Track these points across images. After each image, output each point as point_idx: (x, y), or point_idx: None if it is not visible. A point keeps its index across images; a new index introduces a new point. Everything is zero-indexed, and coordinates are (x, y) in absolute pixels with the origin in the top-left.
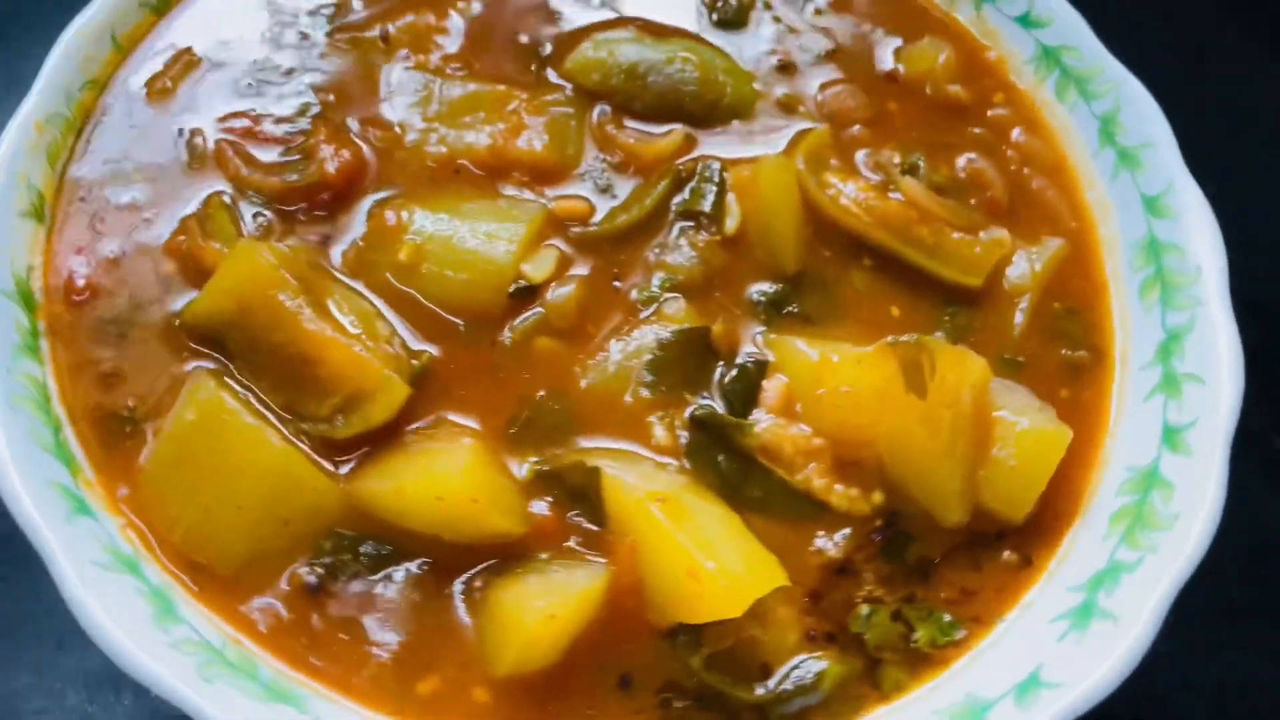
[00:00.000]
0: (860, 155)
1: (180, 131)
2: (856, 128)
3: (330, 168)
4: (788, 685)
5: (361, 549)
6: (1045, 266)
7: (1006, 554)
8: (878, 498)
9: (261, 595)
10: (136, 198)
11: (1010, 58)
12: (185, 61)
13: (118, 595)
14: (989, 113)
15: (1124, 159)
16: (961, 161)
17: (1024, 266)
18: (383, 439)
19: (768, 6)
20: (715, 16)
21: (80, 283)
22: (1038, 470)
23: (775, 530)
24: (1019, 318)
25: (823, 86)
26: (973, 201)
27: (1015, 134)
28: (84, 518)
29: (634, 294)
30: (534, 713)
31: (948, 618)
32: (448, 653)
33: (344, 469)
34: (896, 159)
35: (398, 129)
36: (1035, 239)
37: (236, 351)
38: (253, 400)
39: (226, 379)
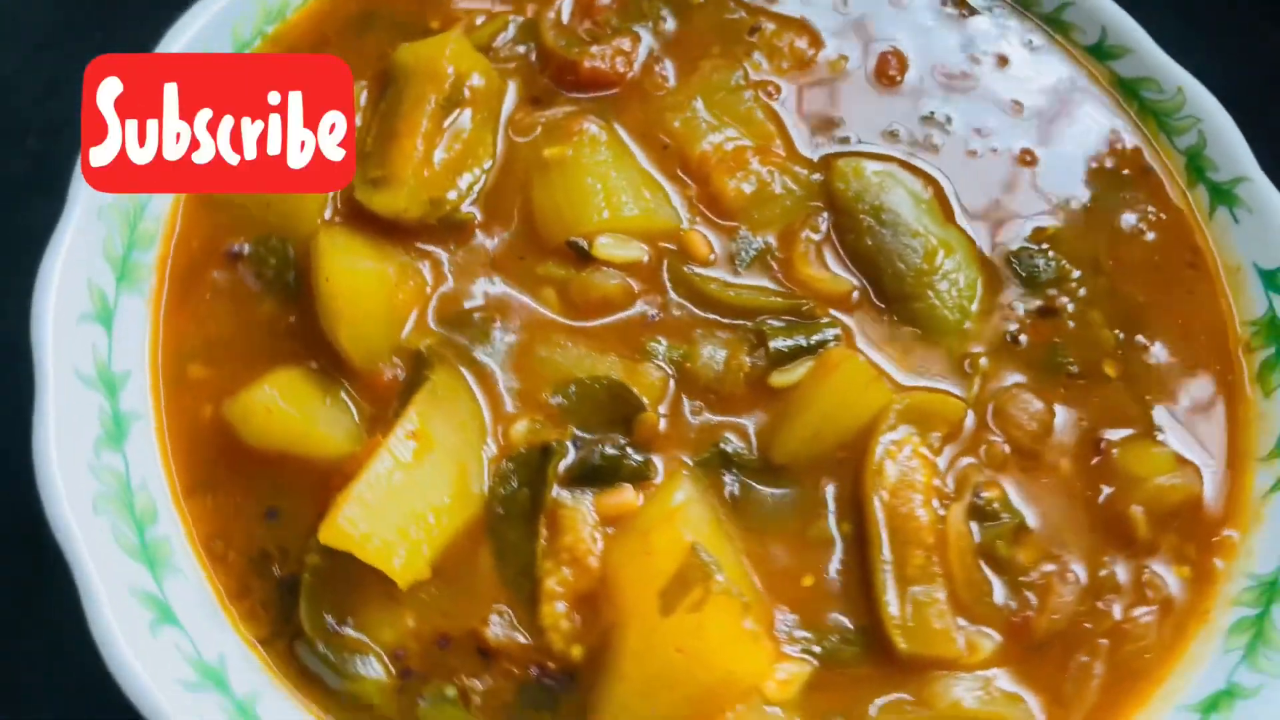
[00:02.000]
0: (959, 460)
1: None
2: (999, 438)
3: (587, 63)
4: None
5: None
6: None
7: None
8: (576, 651)
9: None
10: None
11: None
12: None
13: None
14: (1149, 564)
15: None
16: (1046, 568)
17: (962, 694)
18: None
19: (1063, 284)
20: (1020, 267)
21: None
22: None
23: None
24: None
25: (1016, 386)
26: (1008, 605)
27: (1136, 613)
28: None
29: (650, 330)
30: None
31: None
32: None
33: None
34: (986, 495)
35: (668, 84)
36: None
37: (382, 91)
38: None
39: (358, 98)
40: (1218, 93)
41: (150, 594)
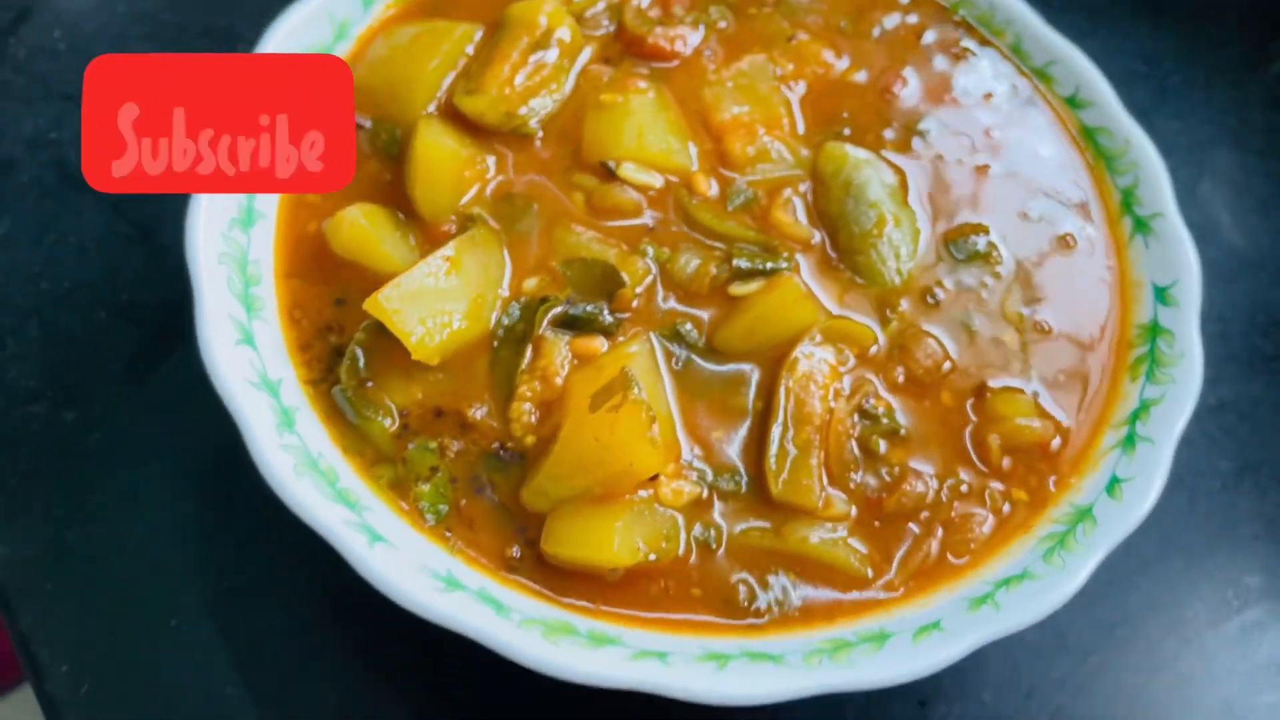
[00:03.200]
0: (862, 374)
1: None
2: (900, 369)
3: (650, 39)
4: None
5: (388, 138)
6: (814, 552)
7: (514, 548)
8: (530, 439)
9: None
10: None
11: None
12: None
13: None
14: (992, 483)
15: None
16: (912, 464)
17: (810, 535)
18: (465, 126)
19: (988, 265)
20: (956, 251)
21: None
22: (576, 548)
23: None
24: (758, 530)
25: (924, 333)
26: (868, 483)
27: (972, 514)
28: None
29: (648, 236)
30: None
31: (443, 508)
32: None
33: None
34: (874, 403)
35: (712, 66)
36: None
37: (492, 33)
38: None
39: (473, 34)
40: None
41: (240, 322)
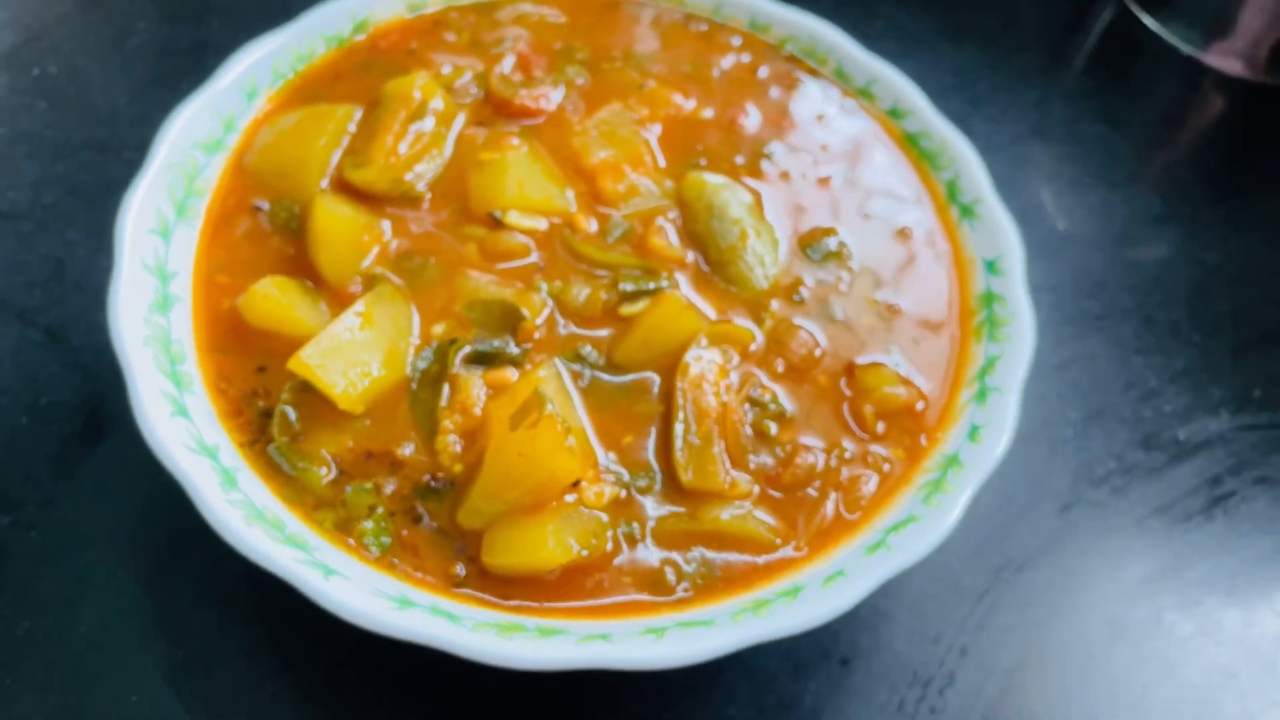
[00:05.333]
0: (746, 369)
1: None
2: (779, 361)
3: (517, 100)
4: None
5: (287, 215)
6: (727, 528)
7: (458, 566)
8: (458, 468)
9: None
10: None
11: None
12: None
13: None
14: (871, 446)
15: None
16: (799, 440)
17: (721, 514)
18: (357, 197)
19: (842, 261)
20: (812, 253)
21: None
22: (516, 555)
23: (413, 414)
24: (674, 516)
25: (795, 326)
26: (765, 463)
27: (859, 475)
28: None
29: (539, 273)
30: None
31: (386, 539)
32: None
33: None
34: (760, 391)
35: (575, 118)
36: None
37: (371, 110)
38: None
39: (353, 113)
40: None
41: (172, 396)
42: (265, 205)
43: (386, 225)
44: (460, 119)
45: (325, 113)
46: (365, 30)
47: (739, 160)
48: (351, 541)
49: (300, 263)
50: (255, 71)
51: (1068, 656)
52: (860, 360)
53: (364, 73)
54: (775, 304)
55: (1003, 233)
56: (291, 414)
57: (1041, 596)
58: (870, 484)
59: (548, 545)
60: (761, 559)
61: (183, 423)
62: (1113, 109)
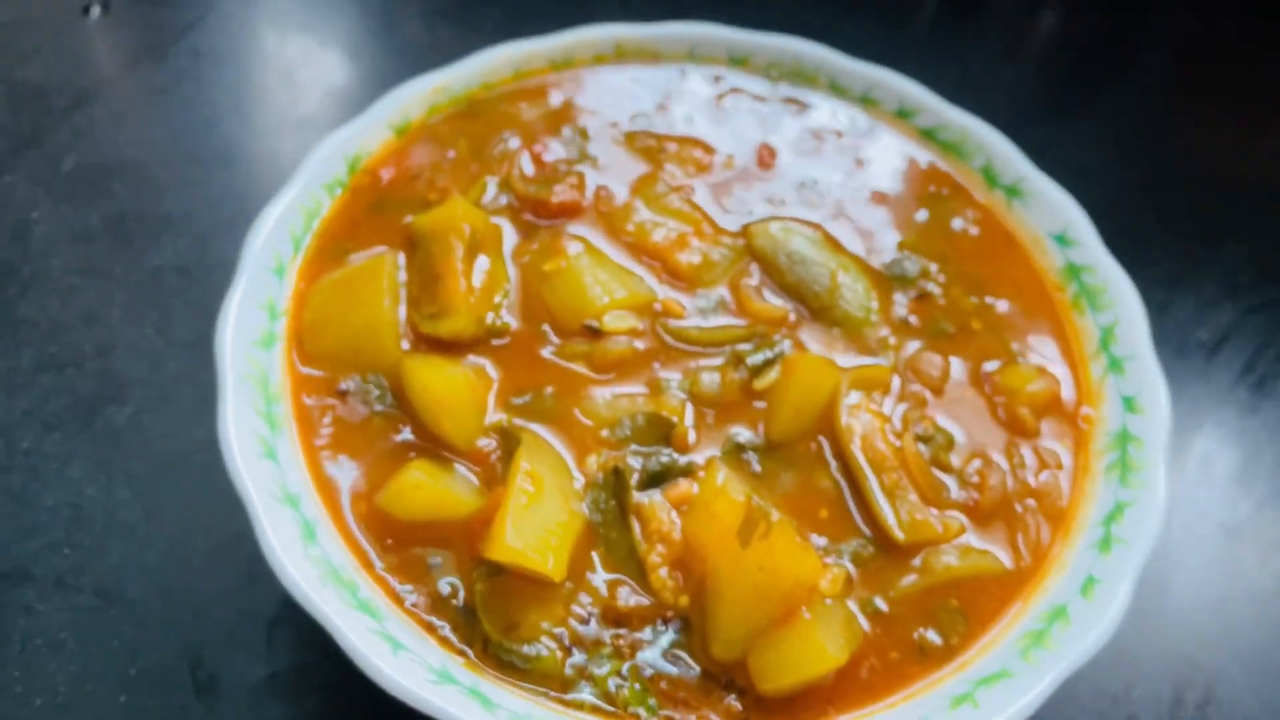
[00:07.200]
0: (898, 407)
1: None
2: (918, 387)
3: (554, 199)
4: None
5: (379, 390)
6: (962, 572)
7: (730, 699)
8: (684, 600)
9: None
10: None
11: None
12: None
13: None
14: (1040, 444)
15: None
16: (977, 464)
17: (950, 559)
18: (442, 348)
19: (926, 276)
20: (895, 270)
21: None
22: (796, 672)
23: (609, 559)
24: (909, 579)
25: (919, 350)
26: (961, 495)
27: (1043, 477)
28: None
29: (660, 371)
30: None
31: (652, 701)
32: None
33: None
34: (923, 426)
35: (615, 200)
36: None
37: (412, 250)
38: (400, 279)
39: (397, 260)
40: None
41: (378, 630)
42: (351, 386)
43: (489, 367)
44: (508, 234)
45: (369, 270)
46: (358, 167)
47: (786, 198)
48: (615, 710)
49: (419, 435)
50: (275, 245)
51: None
52: (990, 366)
53: (378, 212)
54: (886, 333)
55: (1059, 205)
56: (489, 604)
57: None
58: (1060, 479)
59: (828, 651)
60: (998, 587)
61: (405, 657)
62: None
